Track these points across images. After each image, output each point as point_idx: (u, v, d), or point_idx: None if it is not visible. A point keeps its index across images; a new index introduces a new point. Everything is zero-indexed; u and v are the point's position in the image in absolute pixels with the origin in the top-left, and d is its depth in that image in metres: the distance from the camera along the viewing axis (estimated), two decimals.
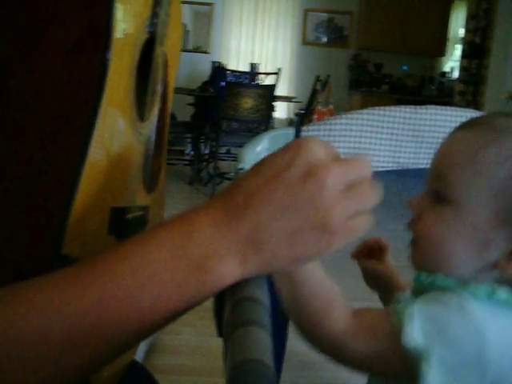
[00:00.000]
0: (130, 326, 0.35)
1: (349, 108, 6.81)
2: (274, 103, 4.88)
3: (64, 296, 0.35)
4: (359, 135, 0.97)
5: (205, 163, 5.26)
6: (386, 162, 0.99)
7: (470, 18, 6.00)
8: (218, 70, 5.39)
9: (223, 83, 4.57)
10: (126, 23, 0.53)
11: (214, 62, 5.92)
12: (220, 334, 0.39)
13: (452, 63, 7.37)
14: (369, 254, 0.71)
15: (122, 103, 0.56)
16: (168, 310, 0.36)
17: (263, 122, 4.49)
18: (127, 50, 0.55)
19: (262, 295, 0.37)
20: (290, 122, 6.86)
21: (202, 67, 6.49)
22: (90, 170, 0.49)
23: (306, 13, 7.00)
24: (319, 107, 5.30)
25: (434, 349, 0.43)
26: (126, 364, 0.72)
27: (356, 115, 0.97)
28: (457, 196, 0.51)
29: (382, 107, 0.98)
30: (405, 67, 7.19)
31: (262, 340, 0.31)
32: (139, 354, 1.66)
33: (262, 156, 0.40)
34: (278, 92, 4.81)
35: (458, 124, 0.60)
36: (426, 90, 7.06)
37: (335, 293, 0.47)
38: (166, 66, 0.72)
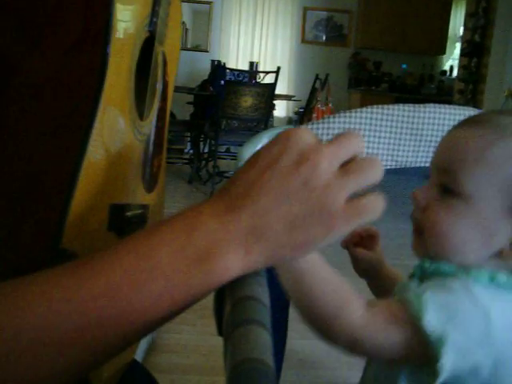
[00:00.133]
0: (135, 317, 0.35)
1: (348, 106, 6.81)
2: (274, 102, 4.88)
3: (70, 285, 0.35)
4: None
5: (204, 162, 5.26)
6: (384, 161, 0.99)
7: (469, 17, 5.99)
8: (218, 68, 5.39)
9: (222, 82, 4.57)
10: (125, 22, 0.53)
11: (213, 61, 5.91)
12: (220, 332, 0.39)
13: (451, 62, 7.37)
14: (360, 242, 0.73)
15: (122, 102, 0.56)
16: (174, 300, 0.36)
17: (263, 120, 4.49)
18: (127, 49, 0.55)
19: (263, 294, 0.37)
20: (289, 121, 6.87)
21: (201, 66, 6.49)
22: (89, 166, 0.49)
23: (305, 11, 7.00)
24: (318, 106, 5.30)
25: (449, 334, 0.46)
26: (126, 364, 0.72)
27: (355, 114, 0.97)
28: (466, 189, 0.54)
29: (381, 106, 0.98)
30: (404, 66, 7.19)
31: (262, 339, 0.31)
32: (139, 353, 1.66)
33: None
34: (278, 91, 4.81)
35: (457, 122, 0.62)
36: (426, 88, 7.06)
37: (347, 288, 0.48)
38: (165, 65, 0.72)
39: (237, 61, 6.90)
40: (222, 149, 5.33)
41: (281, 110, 6.69)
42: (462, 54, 6.16)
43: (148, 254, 0.36)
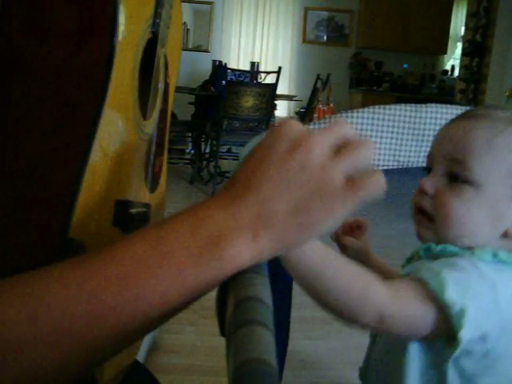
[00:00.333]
0: (149, 303, 0.36)
1: (349, 106, 6.81)
2: (275, 102, 4.88)
3: (84, 273, 0.35)
4: (359, 134, 0.97)
5: (205, 162, 5.26)
6: (386, 161, 0.99)
7: (471, 16, 5.99)
8: (219, 68, 5.39)
9: (224, 82, 4.57)
10: (128, 24, 0.53)
11: (214, 61, 5.91)
12: (223, 333, 0.39)
13: (453, 61, 7.36)
14: (349, 232, 0.78)
15: (126, 101, 0.57)
16: (187, 287, 0.36)
17: (264, 120, 4.49)
18: (130, 50, 0.56)
19: (265, 294, 0.37)
20: None
21: (202, 66, 6.49)
22: (95, 161, 0.50)
23: (306, 11, 7.00)
24: (320, 106, 5.31)
25: (466, 306, 0.51)
26: (128, 364, 0.72)
27: (356, 114, 0.97)
28: (476, 177, 0.59)
29: (382, 106, 0.98)
30: (405, 65, 7.18)
31: (265, 339, 0.31)
32: (140, 353, 1.66)
33: None
34: (279, 91, 4.81)
35: None
36: (427, 88, 7.05)
37: (366, 270, 0.51)
38: (166, 67, 0.73)
39: (238, 61, 6.90)
40: (224, 149, 5.33)
41: (282, 110, 6.68)
42: (464, 53, 6.16)
43: (159, 242, 0.37)
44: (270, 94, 4.41)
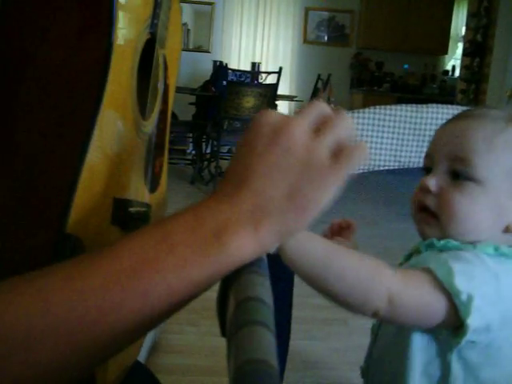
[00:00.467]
0: (156, 298, 0.36)
1: (350, 107, 6.80)
2: (276, 102, 4.88)
3: (89, 268, 0.36)
4: (361, 134, 0.97)
5: (206, 162, 5.26)
6: (387, 161, 0.99)
7: (471, 17, 5.99)
8: (220, 69, 5.39)
9: (224, 82, 4.57)
10: (126, 25, 0.54)
11: (215, 62, 5.91)
12: (223, 333, 0.39)
13: (453, 61, 7.36)
14: (338, 232, 0.79)
15: (124, 101, 0.57)
16: (192, 279, 0.37)
17: None
18: (128, 50, 0.56)
19: (266, 295, 0.37)
20: None
21: (203, 66, 6.49)
22: (93, 158, 0.50)
23: (306, 11, 7.00)
24: None
25: (473, 295, 0.52)
26: (129, 365, 0.72)
27: (358, 114, 0.97)
28: (479, 174, 0.61)
29: (383, 106, 0.98)
30: (406, 66, 7.18)
31: (266, 340, 0.31)
32: (142, 353, 1.66)
33: None
34: (280, 91, 4.81)
35: None
36: (428, 88, 7.05)
37: (370, 256, 0.53)
38: (166, 68, 0.73)
39: (239, 61, 6.90)
40: (224, 149, 5.32)
41: (283, 110, 6.69)
42: (464, 53, 6.16)
43: (163, 238, 0.38)
44: (270, 94, 4.41)
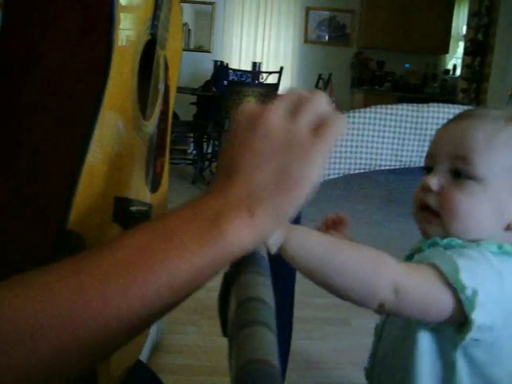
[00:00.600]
0: (159, 286, 0.36)
1: (351, 106, 6.80)
2: None
3: (92, 259, 0.37)
4: (361, 133, 0.97)
5: (207, 162, 5.26)
6: (388, 161, 0.99)
7: (472, 16, 5.98)
8: (221, 69, 5.39)
9: (225, 82, 4.57)
10: (127, 26, 0.54)
11: (216, 61, 5.91)
12: (225, 333, 0.39)
13: (454, 61, 7.35)
14: (332, 226, 0.79)
15: (125, 101, 0.57)
16: (194, 268, 0.37)
17: None
18: (129, 52, 0.56)
19: (267, 295, 0.37)
20: None
21: (204, 66, 6.49)
22: (93, 158, 0.51)
23: (307, 11, 6.99)
24: None
25: (478, 291, 0.53)
26: (131, 364, 0.72)
27: (359, 114, 0.97)
28: (480, 172, 0.61)
29: (384, 105, 0.98)
30: (407, 65, 7.17)
31: (267, 340, 0.31)
32: (144, 353, 1.67)
33: None
34: (281, 91, 4.80)
35: None
36: (429, 87, 7.04)
37: (373, 248, 0.53)
38: (166, 69, 0.73)
39: (239, 61, 6.90)
40: None
41: None
42: (466, 52, 6.16)
43: (163, 229, 0.39)
44: (271, 94, 4.41)
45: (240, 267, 0.41)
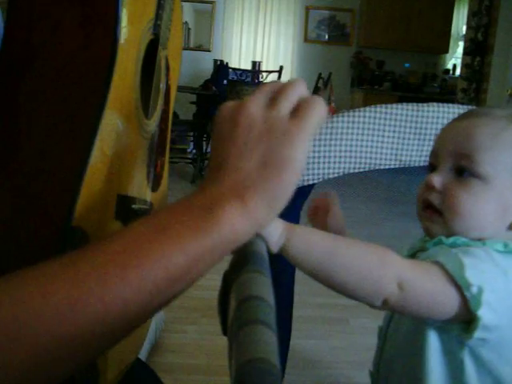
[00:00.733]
0: (156, 275, 0.37)
1: (351, 106, 6.80)
2: None
3: (91, 251, 0.37)
4: (361, 133, 0.97)
5: (207, 161, 5.26)
6: (388, 160, 0.99)
7: (472, 15, 5.98)
8: (220, 68, 5.39)
9: (225, 81, 4.57)
10: (130, 25, 0.54)
11: (215, 60, 5.91)
12: (225, 332, 0.39)
13: (454, 60, 7.35)
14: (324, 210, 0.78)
15: (128, 100, 0.57)
16: (190, 257, 0.38)
17: None
18: (132, 51, 0.56)
19: (267, 294, 0.37)
20: None
21: (203, 65, 6.49)
22: (97, 157, 0.51)
23: (307, 10, 6.99)
24: None
25: (483, 289, 0.53)
26: (130, 363, 0.72)
27: (358, 113, 0.97)
28: (482, 170, 0.62)
29: (384, 105, 0.98)
30: (407, 65, 7.17)
31: (267, 339, 0.31)
32: (143, 352, 1.67)
33: None
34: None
35: None
36: (429, 87, 7.04)
37: (375, 244, 0.53)
38: (167, 69, 0.73)
39: (239, 60, 6.90)
40: None
41: None
42: (465, 52, 6.15)
43: (158, 221, 0.40)
44: None
45: (240, 266, 0.41)
